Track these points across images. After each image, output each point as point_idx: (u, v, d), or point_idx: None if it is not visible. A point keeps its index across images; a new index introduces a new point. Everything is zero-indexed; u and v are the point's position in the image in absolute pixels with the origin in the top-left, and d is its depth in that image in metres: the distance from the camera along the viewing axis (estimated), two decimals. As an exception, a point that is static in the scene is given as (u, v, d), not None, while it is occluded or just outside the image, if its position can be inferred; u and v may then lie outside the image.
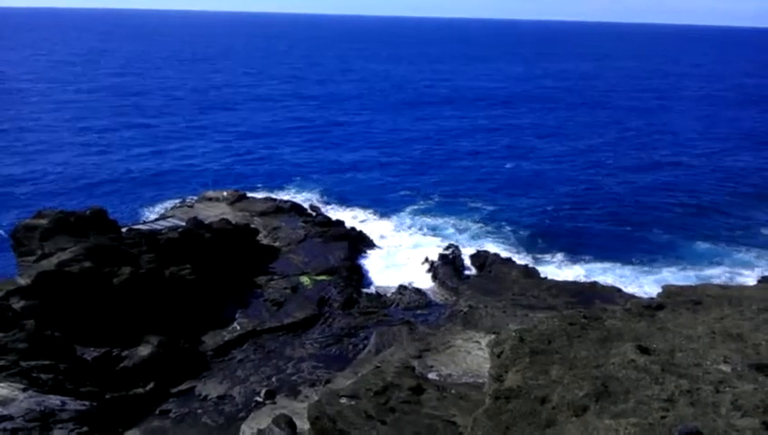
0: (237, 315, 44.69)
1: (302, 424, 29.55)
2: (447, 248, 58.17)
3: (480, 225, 68.89)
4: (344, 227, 62.83)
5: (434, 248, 59.69)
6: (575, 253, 61.64)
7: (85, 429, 26.93)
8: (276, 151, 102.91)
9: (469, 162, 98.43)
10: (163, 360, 37.32)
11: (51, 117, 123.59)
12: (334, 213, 70.45)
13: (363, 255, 59.30)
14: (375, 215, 72.00)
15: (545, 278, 52.90)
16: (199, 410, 34.71)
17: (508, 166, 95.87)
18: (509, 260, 56.71)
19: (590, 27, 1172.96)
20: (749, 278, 55.46)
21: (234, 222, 57.30)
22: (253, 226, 58.84)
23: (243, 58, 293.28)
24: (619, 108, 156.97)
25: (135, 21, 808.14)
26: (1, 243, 57.08)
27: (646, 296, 37.95)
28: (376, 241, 62.64)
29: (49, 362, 31.90)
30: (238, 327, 43.20)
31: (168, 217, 61.67)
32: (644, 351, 19.39)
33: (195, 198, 70.54)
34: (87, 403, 29.12)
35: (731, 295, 24.59)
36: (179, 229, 51.87)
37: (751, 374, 17.92)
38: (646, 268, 58.41)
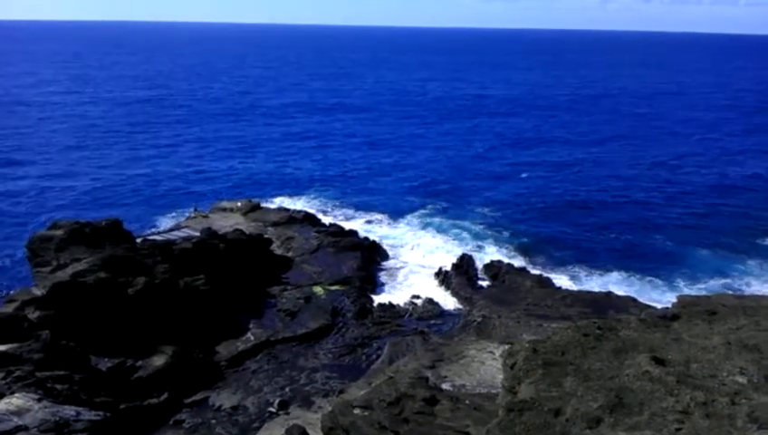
0: (251, 326, 44.76)
1: (316, 434, 29.56)
2: (460, 258, 57.98)
3: (493, 234, 68.62)
4: (357, 236, 62.89)
5: (447, 258, 59.59)
6: (588, 262, 61.36)
7: (99, 439, 27.05)
8: (289, 161, 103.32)
9: (482, 171, 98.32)
10: (177, 370, 37.44)
11: (65, 129, 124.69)
12: (347, 222, 70.49)
13: (376, 264, 59.29)
14: (388, 224, 72.10)
15: (559, 288, 52.68)
16: (213, 421, 34.76)
17: (523, 175, 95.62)
18: (523, 270, 56.52)
19: (589, 35, 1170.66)
20: (756, 287, 55.39)
21: (247, 232, 57.48)
22: (266, 236, 58.99)
23: (253, 69, 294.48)
24: (626, 116, 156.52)
25: (143, 33, 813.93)
26: (17, 253, 57.55)
27: (660, 307, 37.70)
28: (389, 251, 62.62)
29: (64, 373, 32.08)
30: (252, 337, 43.27)
31: (183, 227, 61.94)
32: (659, 362, 19.23)
33: (209, 208, 70.78)
34: (101, 413, 29.24)
35: (746, 305, 24.36)
36: (193, 240, 52.08)
37: (767, 386, 17.74)
38: (658, 278, 58.01)
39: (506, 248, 64.77)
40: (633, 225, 73.11)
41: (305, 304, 48.27)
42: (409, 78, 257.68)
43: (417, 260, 61.06)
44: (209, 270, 47.57)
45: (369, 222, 72.47)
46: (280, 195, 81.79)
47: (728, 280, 58.04)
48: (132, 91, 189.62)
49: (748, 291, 54.51)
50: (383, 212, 75.76)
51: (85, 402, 30.48)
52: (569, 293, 50.80)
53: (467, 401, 29.52)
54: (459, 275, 55.06)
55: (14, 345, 33.01)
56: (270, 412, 35.27)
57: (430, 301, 50.87)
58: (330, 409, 30.37)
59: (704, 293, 49.51)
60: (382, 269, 58.95)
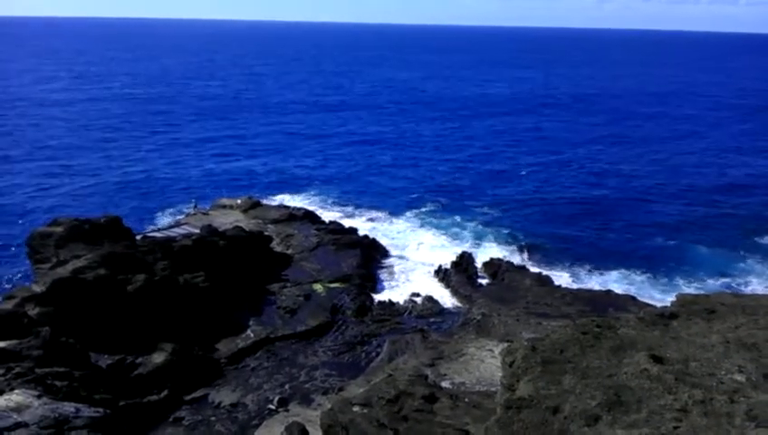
0: (250, 323, 44.75)
1: (315, 432, 29.58)
2: (460, 256, 57.95)
3: (493, 232, 68.64)
4: (357, 234, 62.87)
5: (447, 256, 59.58)
6: (588, 260, 61.38)
7: (99, 436, 27.08)
8: (289, 158, 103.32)
9: (481, 169, 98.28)
10: (177, 367, 37.43)
11: (65, 125, 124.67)
12: (347, 219, 70.48)
13: (376, 262, 59.28)
14: (388, 221, 72.08)
15: (559, 286, 52.71)
16: (213, 418, 34.75)
17: (523, 173, 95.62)
18: (522, 268, 56.53)
19: (595, 34, 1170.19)
20: (755, 286, 55.54)
21: (247, 229, 57.45)
22: (266, 233, 58.98)
23: (254, 67, 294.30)
24: (626, 114, 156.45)
25: (144, 30, 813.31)
26: (17, 250, 57.59)
27: (660, 305, 37.74)
28: (389, 248, 62.64)
29: (64, 370, 32.09)
30: (251, 335, 43.26)
31: (183, 224, 61.93)
32: (657, 360, 19.27)
33: (209, 205, 70.77)
34: (101, 410, 29.28)
35: (745, 304, 24.40)
36: (193, 237, 52.06)
37: (766, 384, 17.77)
38: (658, 277, 58.08)
39: (506, 246, 64.78)
40: (633, 223, 73.14)
41: (305, 301, 48.25)
42: (409, 76, 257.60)
43: (417, 258, 61.07)
44: (209, 267, 47.58)
45: (369, 220, 72.49)
46: (280, 192, 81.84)
47: (729, 278, 58.17)
48: (133, 89, 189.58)
49: (748, 289, 54.66)
50: (383, 210, 75.81)
51: (85, 399, 30.51)
52: (568, 291, 50.87)
53: (467, 399, 29.55)
54: (459, 273, 55.06)
55: (14, 342, 33.04)
56: (269, 410, 35.28)
57: (430, 299, 50.84)
58: (329, 406, 30.41)
59: (704, 291, 49.57)
60: (382, 267, 58.96)
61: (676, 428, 15.85)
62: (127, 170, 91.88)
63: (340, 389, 36.40)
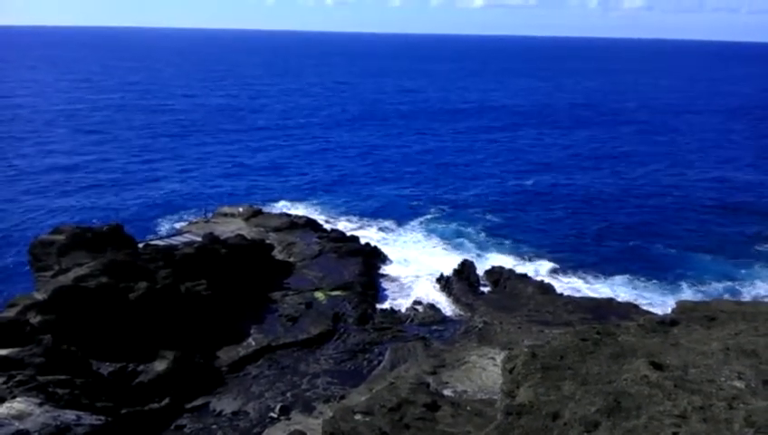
0: (252, 331, 44.75)
1: (316, 440, 29.57)
2: (462, 264, 57.93)
3: (495, 241, 68.73)
4: (359, 242, 62.93)
5: (448, 264, 59.59)
6: (591, 268, 61.40)
7: (100, 443, 27.09)
8: (291, 167, 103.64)
9: (485, 178, 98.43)
10: (178, 375, 37.44)
11: (66, 134, 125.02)
12: (348, 228, 70.53)
13: (378, 270, 59.30)
14: (389, 230, 72.12)
15: (561, 294, 52.68)
16: (214, 426, 34.73)
17: (529, 182, 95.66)
18: (524, 276, 56.48)
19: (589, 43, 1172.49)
20: (759, 290, 55.55)
21: (249, 238, 57.56)
22: (268, 241, 59.07)
23: (256, 76, 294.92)
24: (628, 123, 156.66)
25: (146, 40, 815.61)
26: (19, 258, 57.71)
27: (660, 312, 37.76)
28: (390, 256, 62.65)
29: (65, 377, 32.11)
30: (253, 343, 43.27)
31: (185, 232, 62.07)
32: (657, 367, 19.31)
33: (211, 213, 70.90)
34: (102, 418, 29.26)
35: (745, 311, 24.44)
36: (195, 245, 52.17)
37: (765, 391, 17.80)
38: (662, 283, 58.08)
39: (508, 254, 64.78)
40: (636, 230, 73.21)
41: (306, 309, 48.26)
42: (413, 85, 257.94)
43: (419, 266, 61.04)
44: (211, 275, 47.63)
45: (370, 228, 72.55)
46: (281, 201, 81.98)
47: (733, 284, 58.31)
48: (135, 98, 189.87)
49: (754, 294, 54.68)
50: (385, 218, 75.90)
51: (86, 407, 30.50)
52: (570, 299, 50.85)
53: (468, 407, 29.57)
54: (461, 281, 55.05)
55: (16, 350, 33.07)
56: (271, 418, 35.24)
57: (432, 307, 50.84)
58: (331, 414, 30.41)
59: (709, 297, 49.57)
60: (384, 275, 58.99)
61: (675, 434, 15.88)
62: (129, 178, 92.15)
63: (342, 397, 36.35)
